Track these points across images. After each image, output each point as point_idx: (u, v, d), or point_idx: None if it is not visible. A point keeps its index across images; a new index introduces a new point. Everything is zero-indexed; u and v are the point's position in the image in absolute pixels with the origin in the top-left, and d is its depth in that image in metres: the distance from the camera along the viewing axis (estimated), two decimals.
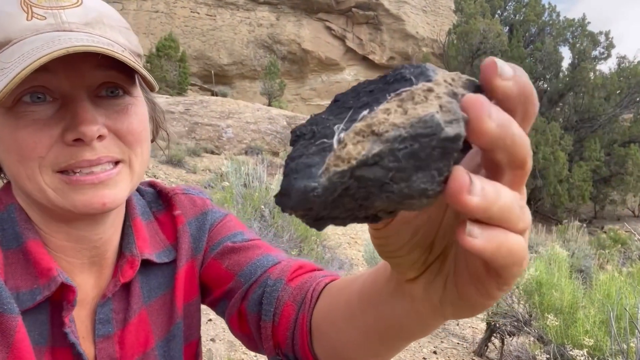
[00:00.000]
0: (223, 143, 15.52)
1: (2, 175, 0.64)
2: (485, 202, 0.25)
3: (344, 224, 0.29)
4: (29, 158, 0.53)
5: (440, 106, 0.25)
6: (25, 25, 0.53)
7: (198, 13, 28.73)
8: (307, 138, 0.28)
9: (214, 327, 3.15)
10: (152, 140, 0.73)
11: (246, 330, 0.70)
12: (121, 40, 0.59)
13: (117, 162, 0.58)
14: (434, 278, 0.37)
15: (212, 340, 2.98)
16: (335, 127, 0.27)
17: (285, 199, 0.27)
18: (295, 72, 29.60)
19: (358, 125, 0.26)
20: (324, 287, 0.63)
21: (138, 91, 0.62)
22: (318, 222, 0.28)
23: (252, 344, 0.71)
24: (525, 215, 0.28)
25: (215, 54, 28.43)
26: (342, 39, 29.95)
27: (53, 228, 0.60)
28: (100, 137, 0.55)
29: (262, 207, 5.04)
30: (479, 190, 0.25)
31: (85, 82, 0.55)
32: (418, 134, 0.24)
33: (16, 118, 0.53)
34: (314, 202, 0.25)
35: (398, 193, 0.25)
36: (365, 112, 0.26)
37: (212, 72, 27.27)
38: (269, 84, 24.04)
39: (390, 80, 0.28)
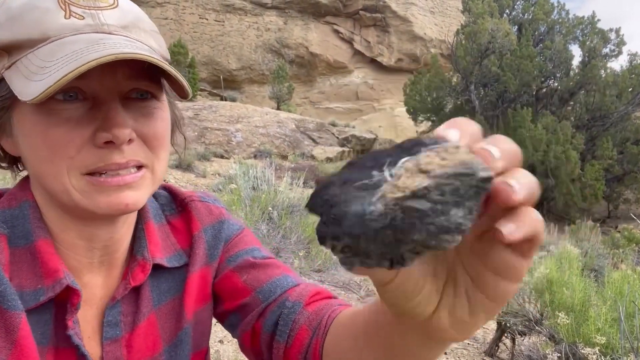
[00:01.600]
0: (232, 147, 15.59)
1: (18, 170, 0.65)
2: (527, 191, 0.30)
3: (369, 265, 0.30)
4: (59, 157, 0.53)
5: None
6: (63, 23, 0.53)
7: (207, 19, 28.95)
8: (339, 184, 0.30)
9: (222, 329, 3.15)
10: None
11: (257, 347, 0.70)
12: (154, 44, 0.59)
13: (140, 166, 0.58)
14: (454, 298, 0.37)
15: (221, 341, 2.98)
16: (385, 167, 0.29)
17: (334, 227, 0.28)
18: (304, 75, 29.66)
19: (408, 164, 0.29)
20: (337, 315, 0.63)
21: (164, 96, 0.62)
22: (354, 258, 0.29)
23: None
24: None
25: (224, 59, 28.60)
26: (349, 41, 29.96)
27: (68, 225, 0.60)
28: (129, 140, 0.55)
29: (270, 209, 5.05)
30: (519, 188, 0.30)
31: (118, 86, 0.55)
32: (460, 173, 0.28)
33: (48, 115, 0.52)
34: (368, 227, 0.27)
35: (438, 225, 0.28)
36: (405, 158, 0.29)
37: (221, 77, 27.42)
38: (278, 88, 24.12)
39: (408, 146, 0.30)
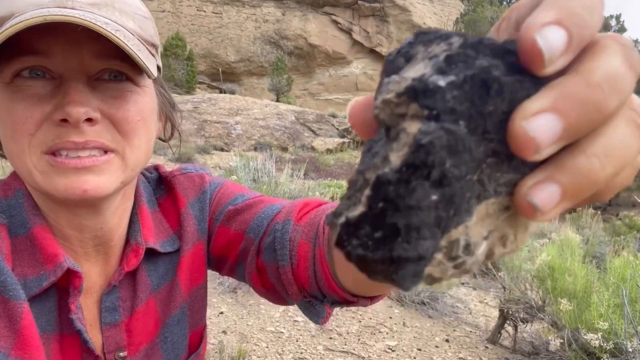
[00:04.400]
0: (232, 140, 15.57)
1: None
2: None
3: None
4: (20, 134, 0.52)
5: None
6: (29, 0, 0.52)
7: (204, 11, 28.79)
8: (425, 177, 0.20)
9: (225, 320, 3.17)
10: (166, 140, 0.71)
11: (268, 284, 0.68)
12: (130, 25, 0.56)
13: (107, 151, 0.55)
14: None
15: (224, 332, 2.99)
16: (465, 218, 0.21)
17: (366, 271, 0.21)
18: (303, 67, 29.55)
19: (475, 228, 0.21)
20: None
21: (146, 82, 0.59)
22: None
23: (278, 297, 0.69)
24: None
25: (222, 52, 28.49)
26: (348, 32, 29.82)
27: (57, 214, 0.59)
28: (90, 120, 0.53)
29: None
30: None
31: (84, 65, 0.53)
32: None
33: (13, 92, 0.52)
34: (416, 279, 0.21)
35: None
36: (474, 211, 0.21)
37: (220, 69, 27.33)
38: (277, 80, 24.05)
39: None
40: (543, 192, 0.20)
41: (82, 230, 0.61)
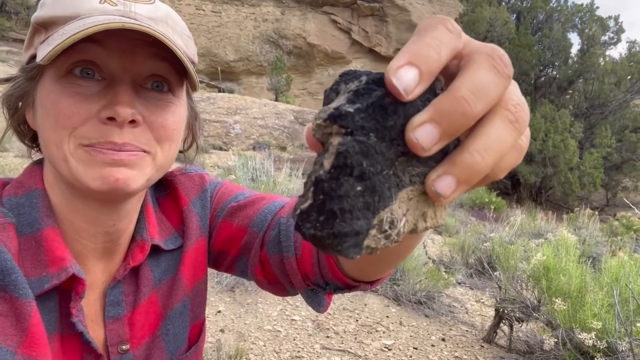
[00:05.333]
0: (231, 139, 15.56)
1: (32, 144, 0.67)
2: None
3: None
4: (63, 126, 0.55)
5: None
6: (95, 6, 0.56)
7: (203, 10, 28.75)
8: (349, 174, 0.28)
9: (222, 318, 3.18)
10: (183, 151, 0.75)
11: (271, 276, 0.72)
12: (179, 42, 0.61)
13: (140, 152, 0.59)
14: None
15: (222, 331, 3.01)
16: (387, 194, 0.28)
17: (319, 246, 0.28)
18: (302, 66, 29.53)
19: (395, 207, 0.29)
20: None
21: (183, 94, 0.64)
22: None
23: (280, 288, 0.73)
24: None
25: (221, 51, 28.45)
26: (347, 31, 29.80)
27: (75, 208, 0.61)
28: (133, 122, 0.56)
29: None
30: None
31: (135, 66, 0.57)
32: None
33: (63, 87, 0.55)
34: (347, 251, 0.28)
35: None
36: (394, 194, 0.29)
37: (219, 68, 27.30)
38: (276, 79, 24.03)
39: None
40: (442, 183, 0.27)
41: (97, 225, 0.63)
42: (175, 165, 0.76)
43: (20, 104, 0.62)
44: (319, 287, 0.67)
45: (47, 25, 0.57)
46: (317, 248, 0.29)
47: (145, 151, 0.59)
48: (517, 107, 0.27)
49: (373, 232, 0.28)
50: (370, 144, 0.27)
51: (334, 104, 0.29)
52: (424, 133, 0.26)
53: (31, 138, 0.66)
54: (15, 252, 0.57)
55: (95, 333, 0.64)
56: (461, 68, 0.27)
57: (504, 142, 0.27)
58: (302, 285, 0.68)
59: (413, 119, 0.27)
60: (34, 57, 0.58)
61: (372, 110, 0.28)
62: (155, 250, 0.70)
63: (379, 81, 0.28)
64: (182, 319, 0.72)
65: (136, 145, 0.57)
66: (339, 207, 0.27)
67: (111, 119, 0.55)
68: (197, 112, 0.72)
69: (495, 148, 0.27)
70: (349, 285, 0.64)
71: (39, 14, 0.58)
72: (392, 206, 0.28)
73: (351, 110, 0.28)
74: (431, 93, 0.28)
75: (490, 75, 0.26)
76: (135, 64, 0.57)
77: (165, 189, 0.77)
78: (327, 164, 0.28)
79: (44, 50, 0.53)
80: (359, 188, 0.27)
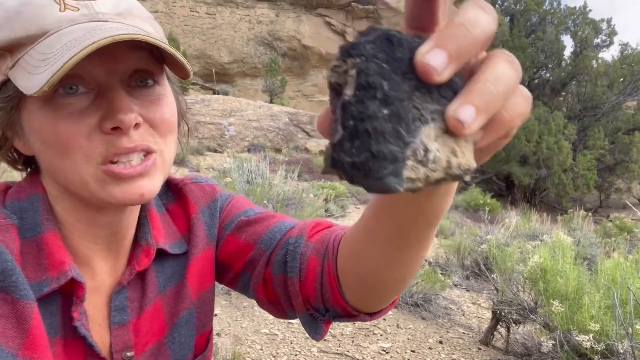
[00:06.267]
0: (226, 141, 15.53)
1: (27, 168, 0.65)
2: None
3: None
4: (72, 149, 0.53)
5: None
6: (59, 16, 0.53)
7: (197, 12, 28.71)
8: (373, 97, 0.28)
9: (219, 322, 3.16)
10: (185, 143, 0.75)
11: (272, 296, 0.71)
12: (150, 30, 0.60)
13: (149, 152, 0.58)
14: None
15: (218, 334, 2.99)
16: (418, 134, 0.28)
17: (359, 176, 0.28)
18: (296, 68, 29.55)
19: (435, 149, 0.29)
20: (342, 236, 0.65)
21: (166, 81, 0.63)
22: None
23: (279, 309, 0.73)
24: None
25: (215, 53, 28.42)
26: (342, 34, 29.85)
27: (80, 215, 0.61)
28: (136, 125, 0.55)
29: (265, 202, 5.05)
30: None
31: (118, 66, 0.55)
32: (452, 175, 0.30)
33: (54, 110, 0.53)
34: (385, 189, 0.28)
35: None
36: (429, 131, 0.29)
37: (213, 70, 27.27)
38: (270, 81, 24.02)
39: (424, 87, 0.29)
40: (464, 111, 0.28)
41: (104, 227, 0.63)
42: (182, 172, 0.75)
43: (9, 133, 0.60)
44: (319, 313, 0.67)
45: (11, 49, 0.54)
46: (358, 182, 0.28)
47: (154, 151, 0.58)
48: (511, 55, 0.31)
49: (409, 162, 0.28)
50: (387, 68, 0.28)
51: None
52: (434, 56, 0.27)
53: (24, 164, 0.65)
54: (17, 254, 0.56)
55: (102, 338, 0.63)
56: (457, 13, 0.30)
57: (509, 75, 0.29)
58: (302, 309, 0.68)
59: (421, 48, 0.28)
60: (4, 83, 0.56)
61: (379, 42, 0.29)
62: (160, 255, 0.69)
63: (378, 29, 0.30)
64: (188, 328, 0.71)
65: (146, 145, 0.57)
66: (372, 126, 0.27)
67: (115, 128, 0.54)
68: (178, 92, 0.70)
69: (503, 79, 0.29)
70: (349, 313, 0.65)
71: None
72: (421, 138, 0.28)
73: (362, 40, 0.29)
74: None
75: (479, 10, 0.29)
76: (118, 63, 0.55)
77: (175, 196, 0.77)
78: (350, 90, 0.28)
79: (27, 80, 0.50)
80: (385, 111, 0.27)
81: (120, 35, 0.49)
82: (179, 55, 0.54)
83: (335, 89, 0.30)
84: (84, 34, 0.51)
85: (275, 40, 29.08)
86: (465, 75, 0.31)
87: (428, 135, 0.29)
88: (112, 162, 0.55)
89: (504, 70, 0.29)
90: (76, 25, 0.53)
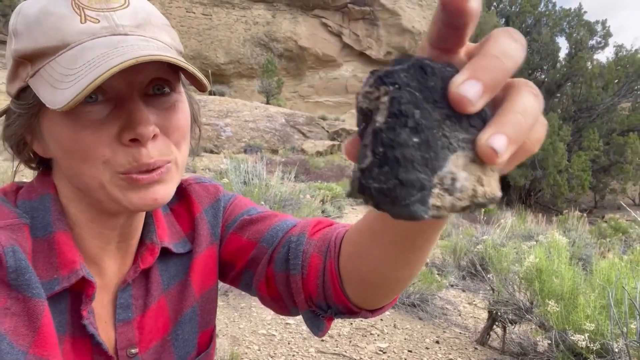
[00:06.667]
0: (222, 142, 15.51)
1: (40, 167, 0.66)
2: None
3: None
4: (93, 159, 0.54)
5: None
6: (80, 28, 0.54)
7: (194, 13, 28.67)
8: (404, 125, 0.29)
9: (216, 323, 3.17)
10: (196, 145, 0.75)
11: (275, 293, 0.72)
12: (168, 40, 0.60)
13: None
14: None
15: (215, 335, 2.99)
16: (448, 159, 0.29)
17: (386, 203, 0.28)
18: (293, 69, 29.55)
19: (464, 178, 0.29)
20: (344, 234, 0.66)
21: (181, 87, 0.63)
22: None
23: (282, 306, 0.73)
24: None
25: (212, 53, 28.38)
26: (338, 35, 29.88)
27: (94, 217, 0.62)
28: (154, 136, 0.56)
29: (263, 203, 5.05)
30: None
31: (137, 77, 0.56)
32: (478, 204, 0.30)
33: (74, 119, 0.54)
34: (410, 215, 0.28)
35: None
36: (458, 155, 0.29)
37: (210, 71, 27.21)
38: (267, 82, 24.01)
39: (454, 116, 0.30)
40: (496, 140, 0.28)
41: (115, 228, 0.64)
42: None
43: (28, 137, 0.61)
44: (321, 310, 0.68)
45: (32, 58, 0.55)
46: (385, 208, 0.29)
47: (169, 161, 0.59)
48: (534, 85, 0.32)
49: (436, 190, 0.28)
50: (419, 97, 0.29)
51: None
52: (469, 87, 0.28)
53: (38, 164, 0.66)
54: (29, 252, 0.57)
55: (108, 335, 0.64)
56: (483, 42, 0.31)
57: (535, 107, 0.30)
58: (304, 306, 0.69)
59: (455, 78, 0.29)
60: (23, 89, 0.57)
61: (413, 71, 0.30)
62: (165, 254, 0.70)
63: (410, 57, 0.31)
64: (192, 325, 0.72)
65: (164, 160, 0.58)
66: (401, 154, 0.28)
67: (133, 140, 0.55)
68: (190, 94, 0.71)
69: (530, 111, 0.30)
70: (351, 310, 0.66)
71: (19, 46, 0.55)
72: (449, 166, 0.29)
73: (396, 68, 0.30)
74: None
75: (511, 41, 0.30)
76: (137, 75, 0.56)
77: (179, 196, 0.78)
78: (382, 117, 0.29)
79: (51, 94, 0.51)
80: (415, 139, 0.28)
81: (143, 57, 0.50)
82: (197, 73, 0.55)
83: (365, 115, 0.31)
84: (107, 52, 0.51)
85: (272, 41, 29.08)
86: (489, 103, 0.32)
87: (456, 164, 0.29)
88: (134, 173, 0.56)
89: (531, 103, 0.30)
90: (98, 39, 0.53)
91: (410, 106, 0.29)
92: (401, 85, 0.29)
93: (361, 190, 0.30)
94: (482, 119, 0.30)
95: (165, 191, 0.59)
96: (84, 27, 0.54)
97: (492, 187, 0.31)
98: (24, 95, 0.57)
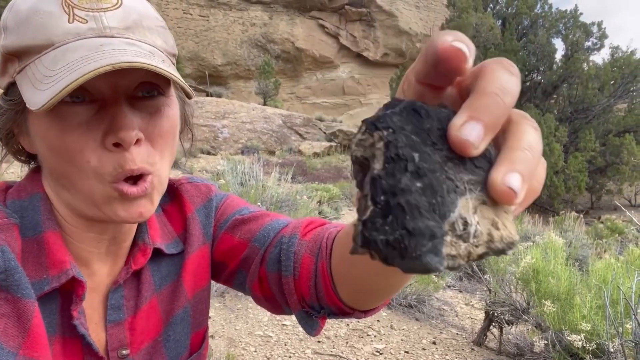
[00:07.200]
0: (219, 143, 15.50)
1: (29, 161, 0.66)
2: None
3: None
4: (80, 163, 0.54)
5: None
6: (67, 28, 0.53)
7: (191, 14, 28.66)
8: (404, 169, 0.27)
9: (213, 324, 3.16)
10: (188, 150, 0.75)
11: (268, 293, 0.72)
12: (159, 42, 0.59)
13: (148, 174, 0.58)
14: None
15: (212, 336, 2.98)
16: (458, 206, 0.27)
17: (395, 256, 0.26)
18: (290, 70, 29.57)
19: (479, 228, 0.28)
20: (335, 235, 0.65)
21: (171, 90, 0.62)
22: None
23: (276, 306, 0.73)
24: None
25: (209, 55, 28.38)
26: (335, 36, 29.92)
27: (78, 221, 0.61)
28: (137, 141, 0.55)
29: (259, 204, 5.05)
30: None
31: (122, 80, 0.55)
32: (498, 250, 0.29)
33: (60, 120, 0.53)
34: (423, 268, 0.26)
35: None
36: (471, 211, 0.28)
37: (207, 72, 27.22)
38: (264, 84, 24.02)
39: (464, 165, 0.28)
40: (512, 178, 0.27)
41: (103, 233, 0.63)
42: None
43: (15, 130, 0.60)
44: (314, 310, 0.68)
45: (19, 54, 0.55)
46: (394, 262, 0.26)
47: (150, 173, 0.58)
48: (532, 119, 0.30)
49: (448, 238, 0.26)
50: (417, 140, 0.27)
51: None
52: (469, 130, 0.27)
53: (27, 157, 0.66)
54: (18, 253, 0.57)
55: (98, 336, 0.63)
56: (478, 75, 0.29)
57: (538, 142, 0.29)
58: (297, 307, 0.69)
59: (454, 120, 0.28)
60: (11, 84, 0.56)
61: (406, 114, 0.28)
62: (156, 255, 0.70)
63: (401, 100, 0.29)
64: (184, 326, 0.72)
65: (146, 168, 0.57)
66: (405, 201, 0.26)
67: (116, 144, 0.54)
68: (185, 101, 0.70)
69: (535, 147, 0.29)
70: (343, 311, 0.65)
71: (6, 42, 0.55)
72: (459, 211, 0.27)
73: (388, 112, 0.28)
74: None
75: (508, 75, 0.28)
76: (122, 79, 0.55)
77: (171, 196, 0.77)
78: (379, 163, 0.27)
79: (31, 93, 0.51)
80: (418, 184, 0.26)
81: (120, 64, 0.49)
82: (179, 80, 0.54)
83: (362, 164, 0.29)
84: (88, 55, 0.50)
85: (269, 43, 29.09)
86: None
87: (466, 208, 0.27)
88: (122, 181, 0.56)
89: (534, 138, 0.29)
90: (83, 41, 0.52)
91: (408, 149, 0.27)
92: (395, 130, 0.27)
93: (365, 244, 0.27)
94: (486, 159, 0.29)
95: (151, 205, 0.58)
96: (71, 27, 0.53)
97: (508, 229, 0.29)
98: (12, 90, 0.57)
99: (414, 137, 0.27)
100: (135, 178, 0.57)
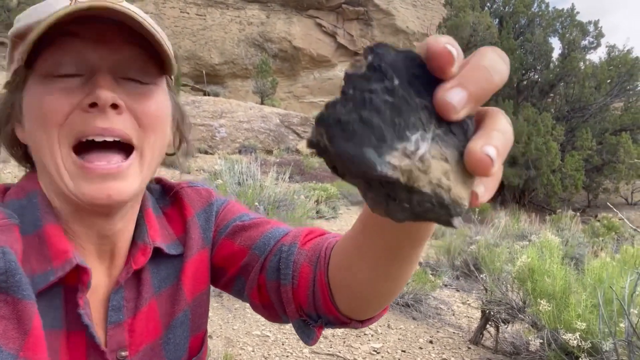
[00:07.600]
0: (216, 143, 15.47)
1: (25, 162, 0.67)
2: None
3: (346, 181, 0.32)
4: (50, 124, 0.56)
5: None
6: (66, 6, 0.56)
7: (188, 13, 28.57)
8: (380, 80, 0.28)
9: (210, 324, 3.16)
10: (174, 153, 0.75)
11: (266, 300, 0.72)
12: (152, 22, 0.61)
13: (130, 151, 0.59)
14: None
15: (210, 336, 2.99)
16: (411, 139, 0.28)
17: (341, 137, 0.27)
18: (287, 69, 29.53)
19: (433, 151, 0.29)
20: (334, 245, 0.67)
21: (163, 83, 0.65)
22: (331, 168, 0.31)
23: (273, 314, 0.74)
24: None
25: (206, 54, 28.30)
26: (333, 35, 29.89)
27: (71, 214, 0.62)
28: (116, 107, 0.57)
29: (257, 204, 5.05)
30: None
31: (112, 55, 0.58)
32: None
33: (45, 86, 0.57)
34: (371, 178, 0.27)
35: (446, 209, 0.30)
36: (430, 138, 0.29)
37: (204, 72, 27.16)
38: (261, 83, 23.98)
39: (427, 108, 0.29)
40: (490, 149, 0.29)
41: (93, 229, 0.64)
42: (165, 173, 0.76)
43: (9, 112, 0.62)
44: (311, 319, 0.69)
45: (23, 36, 0.58)
46: (337, 144, 0.27)
47: (132, 145, 0.59)
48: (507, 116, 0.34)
49: (396, 153, 0.27)
50: (403, 75, 0.29)
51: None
52: (455, 95, 0.29)
53: (24, 155, 0.67)
54: (20, 253, 0.57)
55: (98, 336, 0.63)
56: (471, 56, 0.32)
57: (511, 132, 0.32)
58: (295, 315, 0.69)
59: (444, 84, 0.29)
60: (16, 70, 0.60)
61: (403, 56, 0.30)
62: (156, 256, 0.70)
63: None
64: (183, 329, 0.72)
65: (124, 131, 0.58)
66: (369, 98, 0.27)
67: (93, 105, 0.56)
68: (183, 110, 0.72)
69: (508, 133, 0.32)
70: (341, 321, 0.66)
71: (14, 29, 0.60)
72: (417, 142, 0.28)
73: (388, 46, 0.30)
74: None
75: (499, 58, 0.31)
76: (112, 52, 0.58)
77: (171, 200, 0.78)
78: (361, 70, 0.28)
79: (21, 51, 0.55)
80: (387, 98, 0.27)
81: (99, 3, 0.53)
82: (163, 42, 0.57)
83: (352, 83, 0.30)
84: (66, 6, 0.54)
85: (266, 42, 29.04)
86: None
87: (425, 146, 0.28)
88: (86, 149, 0.57)
89: (508, 128, 0.32)
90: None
91: (390, 70, 0.28)
92: (388, 60, 0.29)
93: (319, 121, 0.28)
94: (463, 130, 0.30)
95: (124, 188, 0.58)
96: (70, 6, 0.56)
97: (459, 189, 0.30)
98: (17, 72, 0.60)
99: (403, 71, 0.29)
100: (113, 149, 0.58)
